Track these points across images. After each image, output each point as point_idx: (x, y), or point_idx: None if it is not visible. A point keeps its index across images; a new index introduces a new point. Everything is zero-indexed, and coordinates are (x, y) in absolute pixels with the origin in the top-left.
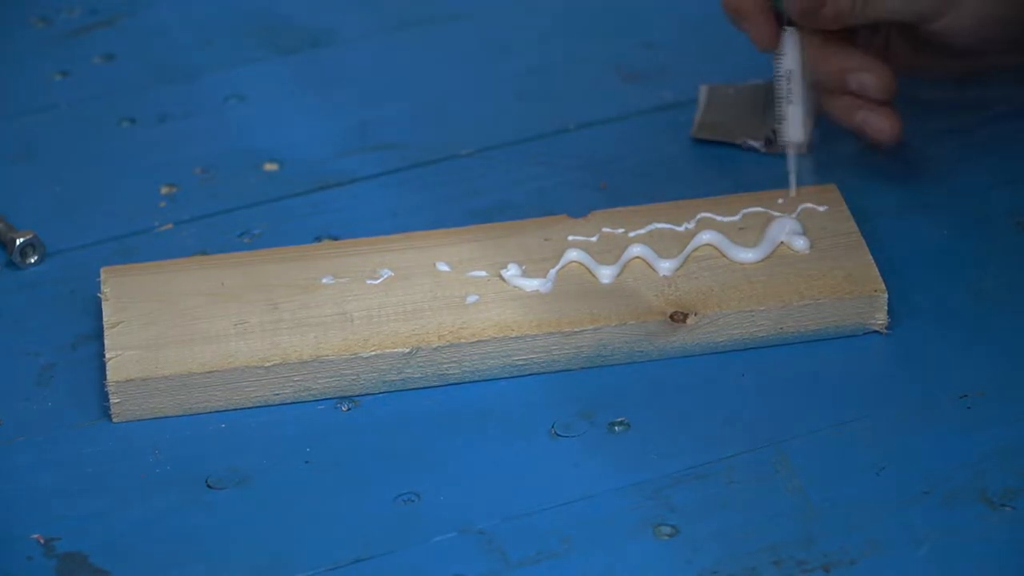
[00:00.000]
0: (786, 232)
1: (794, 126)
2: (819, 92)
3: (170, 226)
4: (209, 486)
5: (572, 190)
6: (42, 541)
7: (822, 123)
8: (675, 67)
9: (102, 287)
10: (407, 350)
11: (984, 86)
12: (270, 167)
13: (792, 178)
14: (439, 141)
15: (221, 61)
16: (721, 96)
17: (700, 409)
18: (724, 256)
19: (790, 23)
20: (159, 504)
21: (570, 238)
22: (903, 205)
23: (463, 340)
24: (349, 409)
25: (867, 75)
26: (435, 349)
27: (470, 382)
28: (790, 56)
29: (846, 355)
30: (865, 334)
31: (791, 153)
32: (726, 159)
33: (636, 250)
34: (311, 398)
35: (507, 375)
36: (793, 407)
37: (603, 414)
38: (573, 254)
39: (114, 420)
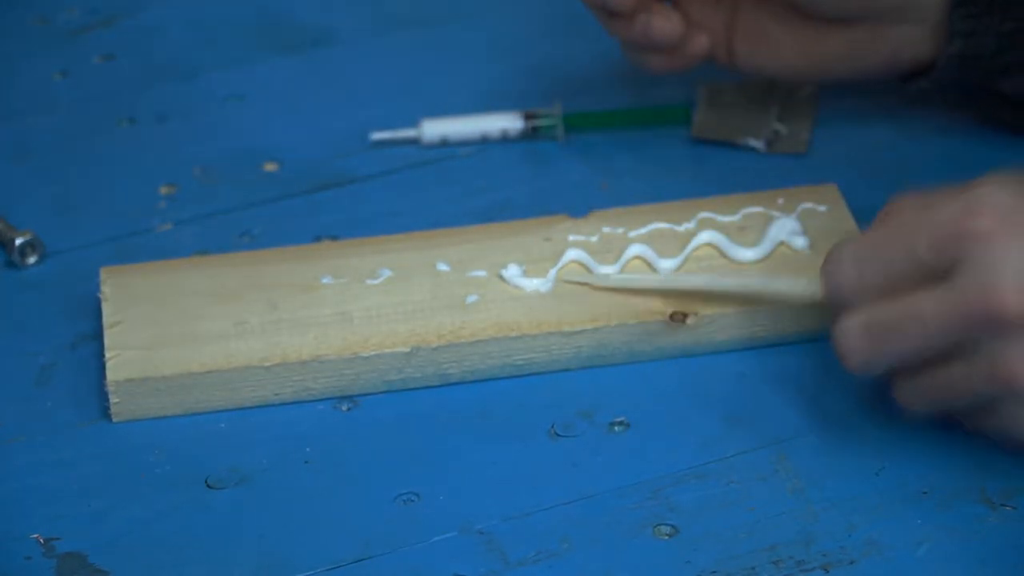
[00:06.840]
0: (787, 232)
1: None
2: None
3: (170, 226)
4: (209, 486)
5: (572, 190)
6: (42, 541)
7: (821, 123)
8: None
9: (102, 287)
10: (407, 350)
11: None
12: (270, 167)
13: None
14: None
15: (221, 61)
16: (721, 96)
17: (700, 409)
18: (724, 256)
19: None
20: (159, 504)
21: (570, 238)
22: None
23: (463, 340)
24: (349, 409)
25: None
26: (435, 349)
27: (470, 382)
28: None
29: None
30: None
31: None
32: (726, 159)
33: (636, 250)
34: (311, 398)
35: (507, 375)
36: (793, 407)
37: (603, 414)
38: (573, 254)
39: (114, 420)
